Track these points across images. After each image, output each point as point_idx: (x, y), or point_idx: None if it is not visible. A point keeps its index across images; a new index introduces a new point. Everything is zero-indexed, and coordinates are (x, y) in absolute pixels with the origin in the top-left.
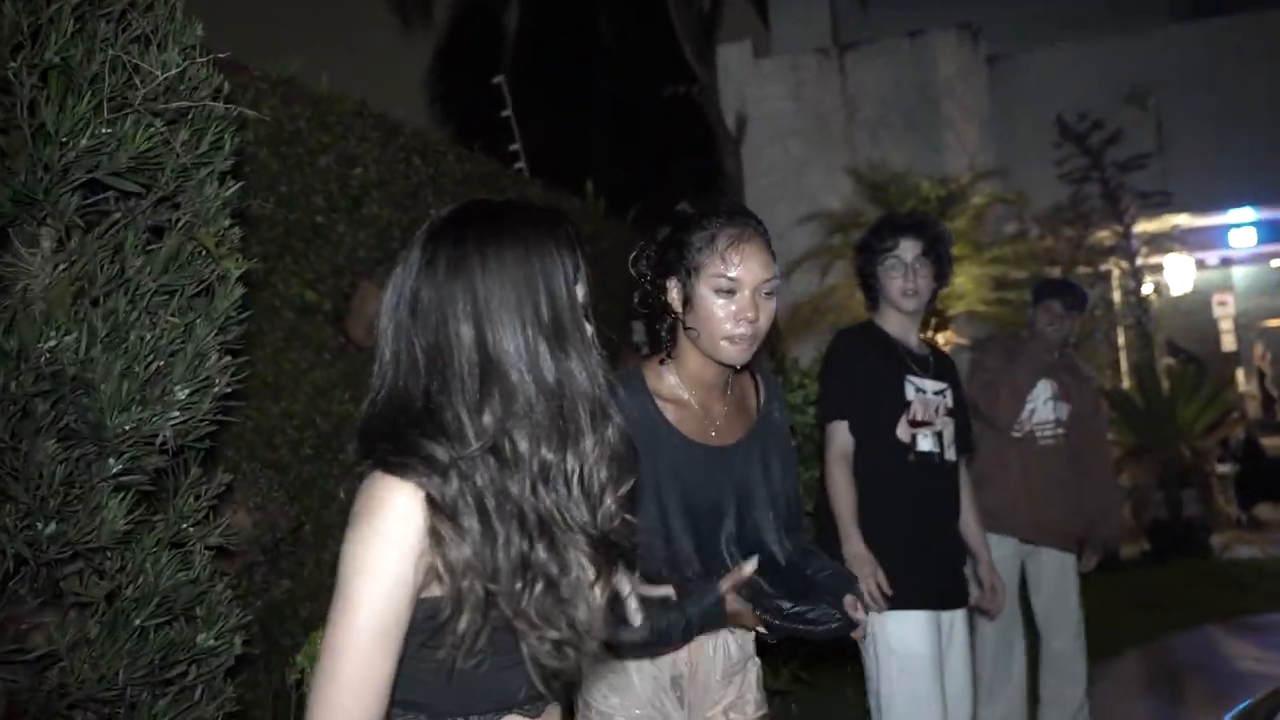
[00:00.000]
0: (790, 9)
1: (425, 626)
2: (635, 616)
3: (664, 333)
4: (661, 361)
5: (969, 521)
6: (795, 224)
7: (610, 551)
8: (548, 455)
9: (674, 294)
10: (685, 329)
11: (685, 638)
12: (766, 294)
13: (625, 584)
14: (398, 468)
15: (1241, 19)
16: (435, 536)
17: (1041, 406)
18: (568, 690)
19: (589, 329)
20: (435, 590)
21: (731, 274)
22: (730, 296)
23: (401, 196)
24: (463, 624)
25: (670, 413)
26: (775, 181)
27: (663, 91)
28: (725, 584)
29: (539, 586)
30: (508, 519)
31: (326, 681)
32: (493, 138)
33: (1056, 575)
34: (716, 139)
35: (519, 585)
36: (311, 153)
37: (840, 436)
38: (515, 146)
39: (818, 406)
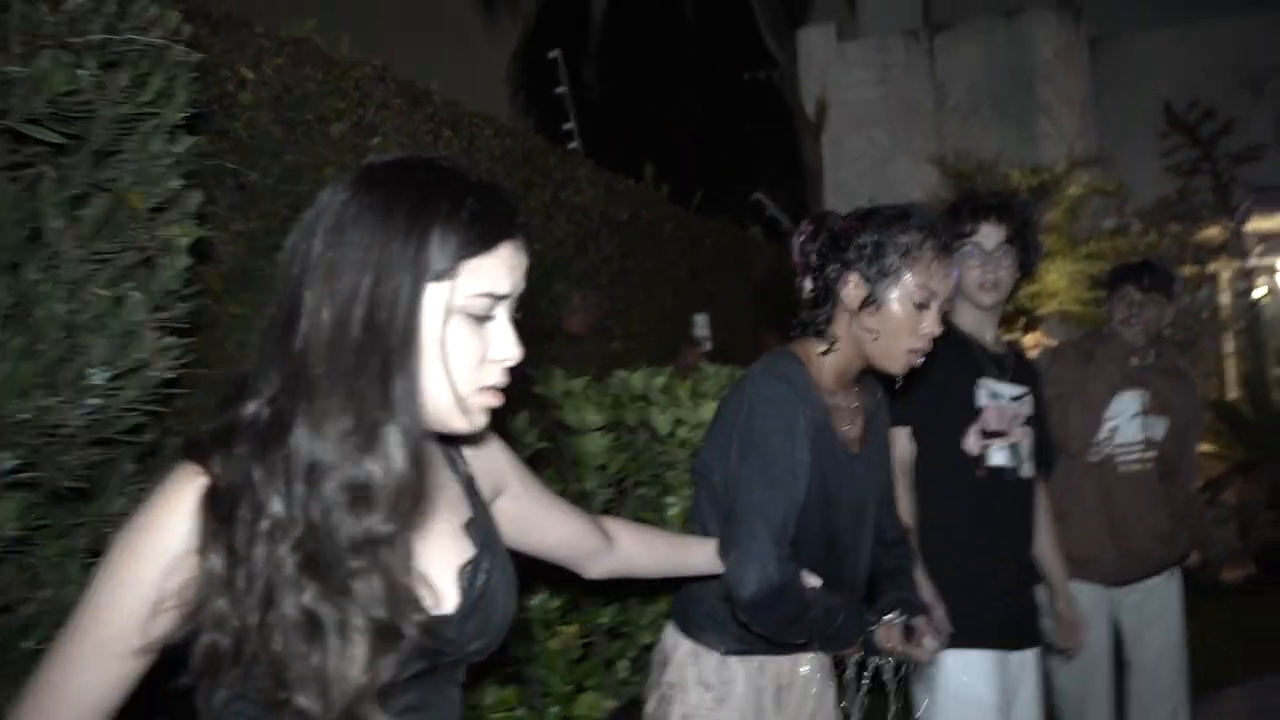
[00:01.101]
0: None
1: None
2: None
3: (822, 323)
4: (824, 352)
5: (1045, 548)
6: None
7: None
8: (325, 449)
9: (853, 288)
10: (862, 328)
11: (843, 645)
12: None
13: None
14: (199, 450)
15: None
16: (199, 538)
17: (1126, 424)
18: None
19: (428, 352)
20: (191, 631)
21: (934, 287)
22: (925, 310)
23: None
24: (204, 642)
25: (826, 402)
26: (858, 172)
27: (742, 77)
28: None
29: (287, 616)
30: (271, 532)
31: (34, 677)
32: (584, 130)
33: (1158, 613)
34: (797, 127)
35: (263, 613)
36: (323, 120)
37: (899, 445)
38: (569, 125)
39: None
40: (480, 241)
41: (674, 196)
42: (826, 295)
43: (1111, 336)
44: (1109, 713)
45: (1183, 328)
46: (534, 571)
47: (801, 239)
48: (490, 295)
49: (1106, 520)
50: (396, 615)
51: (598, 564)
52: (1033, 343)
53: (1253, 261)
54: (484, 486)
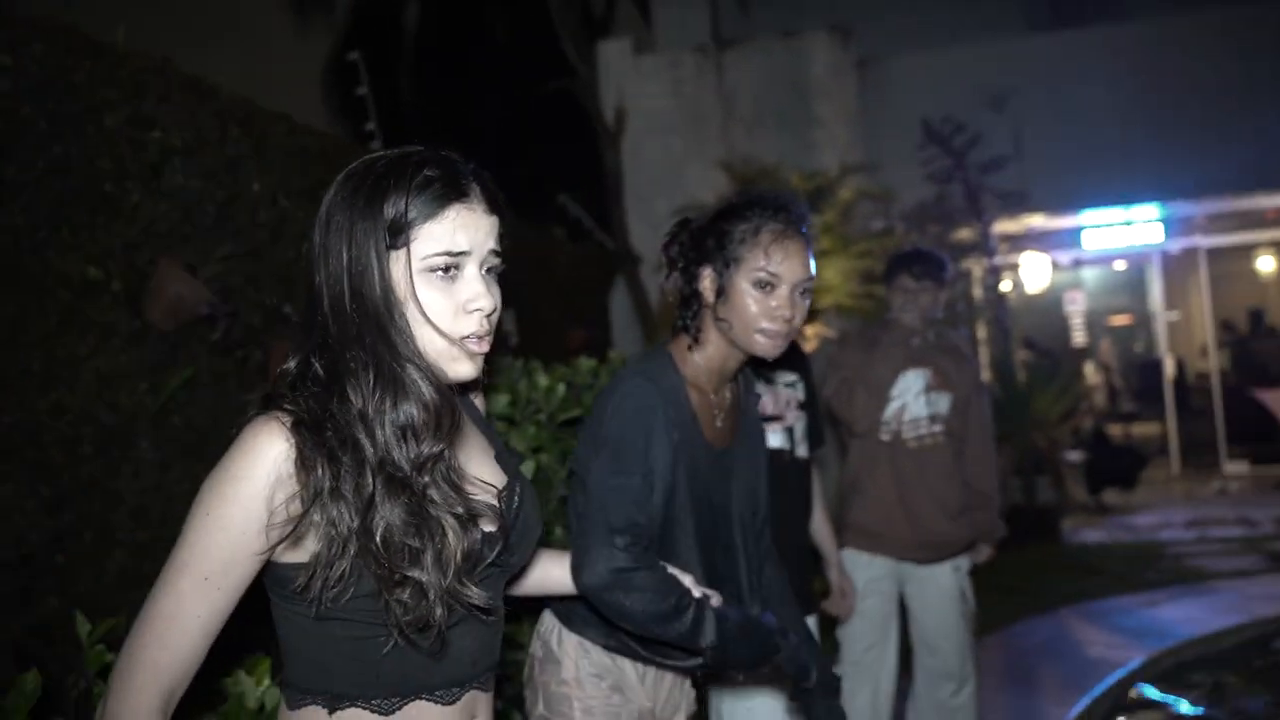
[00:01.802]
0: (671, 7)
1: (294, 576)
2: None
3: (690, 320)
4: (690, 347)
5: (819, 522)
6: (671, 217)
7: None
8: (370, 403)
9: (707, 283)
10: (717, 319)
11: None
12: (803, 292)
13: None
14: (272, 402)
15: (1092, 31)
16: (300, 458)
17: (913, 401)
18: (494, 677)
19: (409, 309)
20: (301, 554)
21: (773, 269)
22: (769, 291)
23: (216, 167)
24: (318, 546)
25: (695, 400)
26: (654, 177)
27: (546, 86)
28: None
29: (385, 516)
30: (359, 464)
31: (142, 612)
32: (392, 135)
33: (939, 599)
34: (597, 134)
35: (366, 513)
36: (94, 111)
37: None
38: (370, 126)
39: None
40: (427, 208)
41: None
42: (691, 294)
43: (891, 322)
44: (893, 680)
45: (943, 318)
46: None
47: (665, 242)
48: (447, 253)
49: (897, 495)
50: (469, 508)
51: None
52: (812, 333)
53: (999, 259)
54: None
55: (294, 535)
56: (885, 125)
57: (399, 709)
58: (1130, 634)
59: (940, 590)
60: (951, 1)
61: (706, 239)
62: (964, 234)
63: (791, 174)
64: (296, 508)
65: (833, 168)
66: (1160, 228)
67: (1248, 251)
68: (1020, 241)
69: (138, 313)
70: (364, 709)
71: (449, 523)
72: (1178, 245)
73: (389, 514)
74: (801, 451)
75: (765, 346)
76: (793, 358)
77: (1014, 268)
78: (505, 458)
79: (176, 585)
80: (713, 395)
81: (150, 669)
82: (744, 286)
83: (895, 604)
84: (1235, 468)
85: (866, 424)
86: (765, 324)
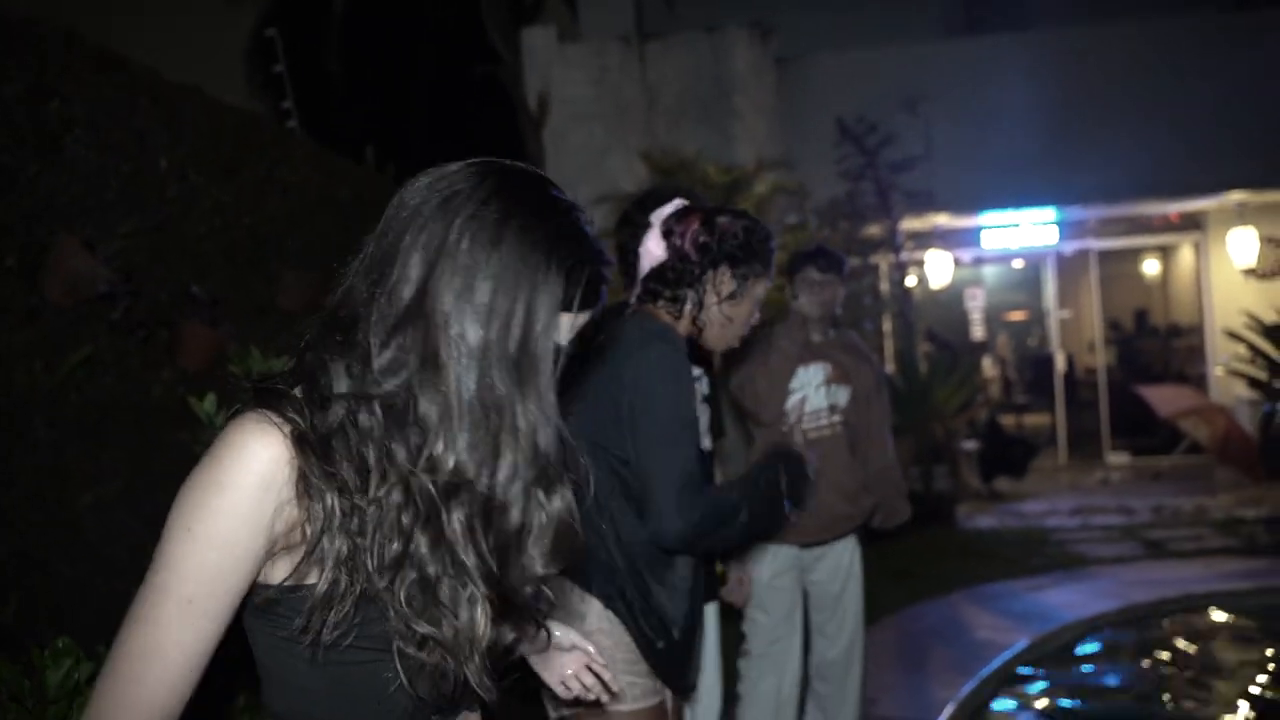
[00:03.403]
0: None
1: (287, 612)
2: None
3: (682, 296)
4: (675, 319)
5: None
6: (593, 204)
7: (507, 602)
8: (455, 446)
9: (725, 280)
10: (724, 314)
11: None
12: None
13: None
14: (269, 399)
15: (1004, 38)
16: (303, 482)
17: (814, 393)
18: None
19: (546, 375)
20: (303, 575)
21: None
22: (756, 312)
23: (122, 141)
24: (321, 586)
25: None
26: (578, 164)
27: (472, 71)
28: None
29: (411, 576)
30: (388, 481)
31: (116, 645)
32: (318, 114)
33: (837, 575)
34: (520, 120)
35: (389, 568)
36: None
37: None
38: (287, 104)
39: None
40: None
41: (400, 180)
42: (693, 279)
43: (793, 315)
44: (798, 665)
45: (849, 311)
46: None
47: (694, 227)
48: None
49: None
50: (498, 560)
51: None
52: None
53: (905, 256)
54: None
55: (290, 559)
56: (802, 122)
57: None
58: (1017, 617)
59: (838, 564)
60: (870, 4)
61: (745, 247)
62: (873, 230)
63: (709, 166)
64: (296, 537)
65: (750, 162)
66: (1055, 230)
67: (1135, 255)
68: (926, 239)
69: (34, 289)
70: None
71: (470, 579)
72: (1071, 247)
73: (412, 549)
74: (705, 444)
75: (729, 345)
76: (695, 352)
77: (919, 264)
78: None
79: (155, 612)
80: None
81: (129, 711)
82: (754, 297)
83: (799, 595)
84: (1117, 458)
85: (770, 415)
86: (744, 332)
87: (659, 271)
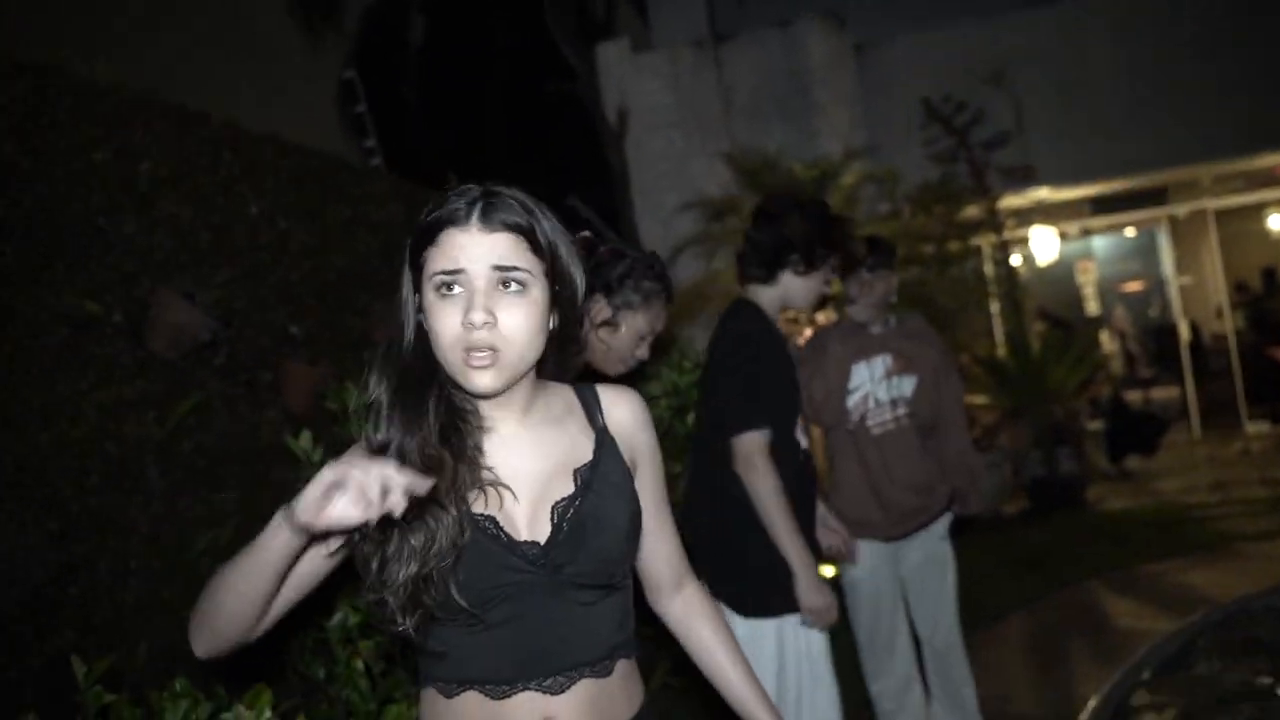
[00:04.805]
0: (667, 5)
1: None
2: None
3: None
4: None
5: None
6: (678, 211)
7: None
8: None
9: (601, 309)
10: (600, 340)
11: None
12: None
13: None
14: None
15: (1084, 0)
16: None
17: (876, 387)
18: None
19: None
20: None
21: (656, 326)
22: (643, 341)
23: (208, 192)
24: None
25: None
26: (661, 172)
27: (548, 90)
28: None
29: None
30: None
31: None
32: (400, 147)
33: (928, 564)
34: (600, 134)
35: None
36: (79, 147)
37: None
38: (370, 143)
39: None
40: (425, 236)
41: None
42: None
43: (849, 314)
44: (910, 658)
45: (955, 296)
46: (333, 589)
47: (601, 267)
48: (442, 272)
49: (865, 481)
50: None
51: (658, 603)
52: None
53: (1007, 235)
54: (622, 447)
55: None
56: (885, 108)
57: (507, 696)
58: (1159, 603)
59: (926, 554)
60: None
61: (612, 273)
62: (971, 211)
63: (793, 163)
64: None
65: (835, 154)
66: (1165, 193)
67: (1256, 211)
68: (1028, 215)
69: (140, 343)
70: (478, 691)
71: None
72: (1185, 209)
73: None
74: (803, 442)
75: (615, 370)
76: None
77: (1023, 242)
78: (590, 468)
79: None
80: None
81: None
82: (635, 327)
83: (895, 590)
84: (1256, 428)
85: (830, 418)
86: (630, 363)
87: None
